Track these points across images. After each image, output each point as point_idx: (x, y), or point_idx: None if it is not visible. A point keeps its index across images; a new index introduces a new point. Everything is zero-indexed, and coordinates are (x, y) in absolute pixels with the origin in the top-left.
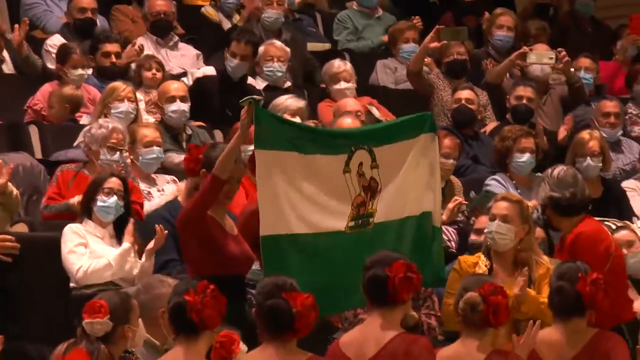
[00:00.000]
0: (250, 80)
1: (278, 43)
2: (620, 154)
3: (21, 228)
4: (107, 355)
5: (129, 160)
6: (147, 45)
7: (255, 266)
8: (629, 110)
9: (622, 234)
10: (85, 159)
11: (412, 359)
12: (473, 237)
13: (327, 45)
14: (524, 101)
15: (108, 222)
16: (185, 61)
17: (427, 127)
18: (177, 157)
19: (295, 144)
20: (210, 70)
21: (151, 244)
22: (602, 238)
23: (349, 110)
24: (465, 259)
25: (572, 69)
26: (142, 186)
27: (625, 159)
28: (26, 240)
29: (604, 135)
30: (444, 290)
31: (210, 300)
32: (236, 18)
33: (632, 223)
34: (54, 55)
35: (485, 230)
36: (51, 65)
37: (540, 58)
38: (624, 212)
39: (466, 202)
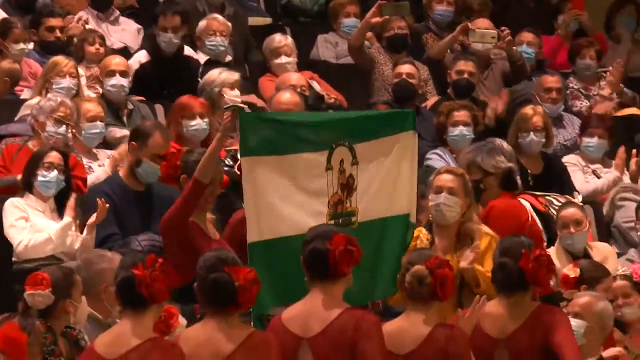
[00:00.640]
0: (189, 52)
1: (220, 17)
2: (561, 129)
3: None
4: (41, 331)
5: (70, 135)
6: (88, 19)
7: None
8: (571, 85)
9: (570, 212)
10: (28, 133)
11: (361, 334)
12: None
13: (267, 20)
14: (465, 75)
15: (49, 196)
16: (126, 36)
17: (408, 124)
18: (119, 132)
19: (276, 146)
20: (144, 56)
21: (92, 218)
22: (515, 213)
23: (293, 84)
24: None
25: (514, 47)
26: (84, 160)
27: (566, 134)
28: None
29: (546, 110)
30: None
31: (159, 274)
32: None
33: (573, 198)
34: None
35: (431, 203)
36: None
37: (483, 37)
38: (565, 187)
39: None
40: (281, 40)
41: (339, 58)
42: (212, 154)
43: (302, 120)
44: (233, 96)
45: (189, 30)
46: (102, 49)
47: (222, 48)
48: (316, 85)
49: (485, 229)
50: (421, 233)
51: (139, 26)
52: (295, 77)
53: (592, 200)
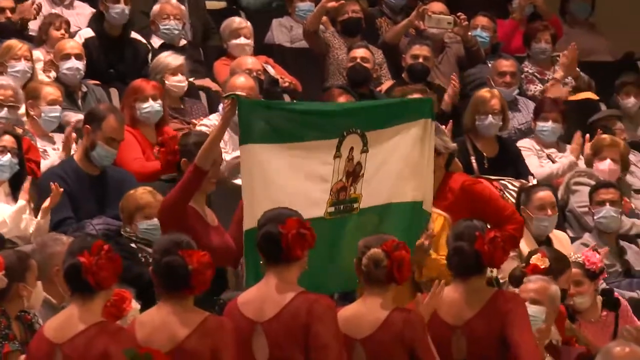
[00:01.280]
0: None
1: (174, 1)
2: (516, 113)
3: None
4: None
5: (25, 118)
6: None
7: None
8: (526, 69)
9: (547, 194)
10: None
11: (315, 318)
12: None
13: (222, 3)
14: (420, 60)
15: (3, 180)
16: (81, 20)
17: (426, 113)
18: (74, 116)
19: (281, 134)
20: (88, 33)
21: (47, 202)
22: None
23: (248, 68)
24: None
25: (470, 32)
26: (39, 144)
27: (521, 119)
28: None
29: None
30: None
31: (105, 262)
32: None
33: (528, 182)
34: None
35: None
36: None
37: (439, 22)
38: (520, 171)
39: None
40: (241, 22)
41: (294, 42)
42: (213, 142)
43: (313, 109)
44: (175, 82)
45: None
46: (67, 35)
47: (176, 32)
48: (271, 70)
49: (437, 210)
50: None
51: (94, 10)
52: (251, 61)
53: (547, 185)
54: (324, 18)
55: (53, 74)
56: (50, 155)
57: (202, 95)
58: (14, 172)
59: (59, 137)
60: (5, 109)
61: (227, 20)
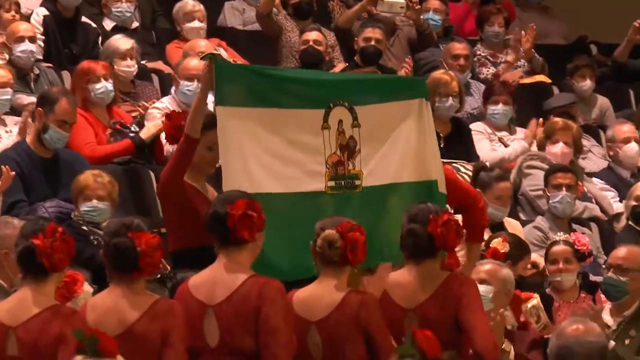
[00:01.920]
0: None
1: None
2: (469, 97)
3: None
4: None
5: None
6: None
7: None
8: (478, 52)
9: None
10: None
11: (265, 301)
12: None
13: None
14: (372, 43)
15: None
16: (33, 2)
17: (420, 92)
18: (27, 99)
19: (264, 98)
20: (43, 11)
21: None
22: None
23: (202, 51)
24: None
25: (422, 16)
26: None
27: (474, 102)
28: None
29: None
30: None
31: (59, 244)
32: None
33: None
34: None
35: None
36: None
37: (392, 7)
38: (470, 152)
39: None
40: (195, 5)
41: (246, 25)
42: (198, 107)
43: (295, 76)
44: (124, 66)
45: None
46: (17, 16)
47: (128, 14)
48: (223, 52)
49: None
50: None
51: None
52: (203, 44)
53: (500, 168)
54: (277, 1)
55: (6, 56)
56: (2, 137)
57: (154, 78)
58: None
59: (10, 120)
60: None
61: (180, 2)
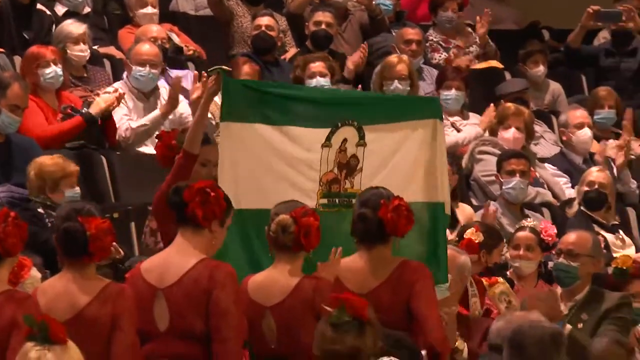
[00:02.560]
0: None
1: None
2: (421, 82)
3: None
4: None
5: None
6: None
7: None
8: (430, 38)
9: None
10: None
11: (216, 284)
12: None
13: None
14: (323, 27)
15: None
16: None
17: (433, 112)
18: None
19: (267, 115)
20: None
21: None
22: None
23: (154, 36)
24: None
25: (373, 1)
26: None
27: (426, 88)
28: None
29: None
30: None
31: (12, 228)
32: None
33: None
34: None
35: None
36: None
37: None
38: None
39: None
40: None
41: (198, 10)
42: (198, 123)
43: (304, 96)
44: (76, 51)
45: None
46: None
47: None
48: (175, 38)
49: None
50: None
51: None
52: (155, 30)
53: (452, 153)
54: None
55: None
56: None
57: (106, 63)
58: None
59: None
60: None
61: None
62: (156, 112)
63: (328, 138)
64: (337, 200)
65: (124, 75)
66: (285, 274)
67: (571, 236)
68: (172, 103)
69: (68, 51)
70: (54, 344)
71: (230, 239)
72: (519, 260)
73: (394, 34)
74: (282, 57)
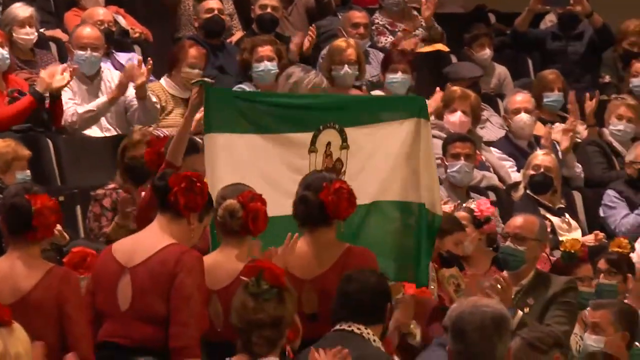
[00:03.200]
0: None
1: None
2: (368, 65)
3: None
4: None
5: None
6: None
7: None
8: (376, 21)
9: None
10: None
11: (183, 268)
12: None
13: None
14: (269, 10)
15: None
16: None
17: (417, 112)
18: None
19: (252, 124)
20: None
21: None
22: None
23: (100, 19)
24: None
25: None
26: None
27: (372, 71)
28: None
29: None
30: None
31: None
32: None
33: None
34: None
35: None
36: None
37: None
38: None
39: None
40: None
41: None
42: (182, 135)
43: (286, 102)
44: (23, 34)
45: None
46: None
47: None
48: (122, 20)
49: None
50: None
51: None
52: (102, 12)
53: None
54: None
55: None
56: None
57: (53, 46)
58: None
59: None
60: None
61: None
62: (103, 98)
63: (312, 142)
64: None
65: (69, 59)
66: (232, 259)
67: (518, 220)
68: (121, 89)
69: (14, 34)
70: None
71: None
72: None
73: (340, 17)
74: (228, 40)
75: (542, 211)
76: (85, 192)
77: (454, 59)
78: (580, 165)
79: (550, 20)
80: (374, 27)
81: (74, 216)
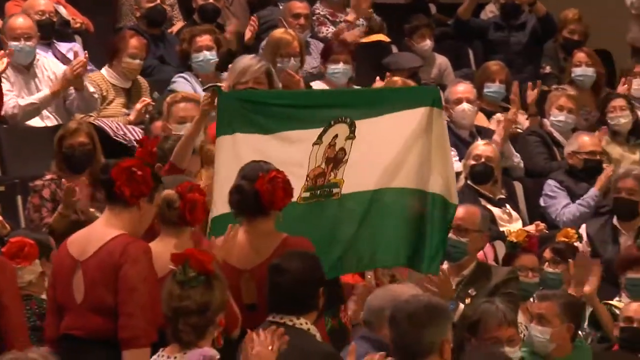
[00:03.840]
0: None
1: None
2: (308, 56)
3: None
4: None
5: None
6: None
7: None
8: (317, 11)
9: None
10: None
11: (127, 259)
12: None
13: None
14: (210, 0)
15: None
16: None
17: (430, 101)
18: None
19: (261, 126)
20: None
21: None
22: None
23: (41, 9)
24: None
25: None
26: None
27: (313, 62)
28: None
29: None
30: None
31: None
32: None
33: None
34: None
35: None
36: None
37: None
38: None
39: (153, 103)
40: None
41: None
42: (190, 138)
43: (298, 102)
44: None
45: None
46: None
47: None
48: (62, 10)
49: None
50: None
51: None
52: (43, 2)
53: None
54: None
55: None
56: None
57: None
58: None
59: None
60: None
61: None
62: (46, 92)
63: (320, 136)
64: (318, 192)
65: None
66: (170, 248)
67: (459, 211)
68: (64, 84)
69: None
70: None
71: None
72: None
73: (280, 7)
74: (169, 30)
75: (483, 201)
76: (26, 182)
77: (395, 49)
78: (518, 155)
79: (490, 10)
80: (314, 18)
81: (15, 206)
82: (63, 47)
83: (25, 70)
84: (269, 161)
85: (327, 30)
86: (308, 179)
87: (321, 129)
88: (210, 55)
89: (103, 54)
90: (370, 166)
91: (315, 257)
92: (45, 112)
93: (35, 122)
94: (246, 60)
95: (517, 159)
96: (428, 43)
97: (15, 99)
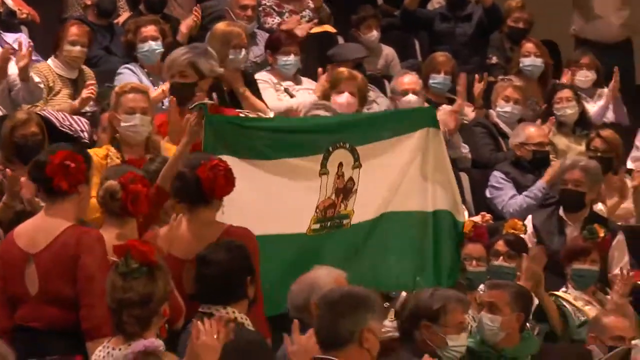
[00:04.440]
0: None
1: None
2: (254, 46)
3: None
4: None
5: None
6: None
7: None
8: (263, 2)
9: None
10: None
11: (83, 249)
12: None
13: None
14: None
15: None
16: None
17: (427, 122)
18: None
19: (258, 150)
20: None
21: None
22: None
23: None
24: (96, 152)
25: None
26: None
27: (258, 52)
28: None
29: None
30: None
31: None
32: None
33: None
34: None
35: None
36: None
37: None
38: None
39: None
40: None
41: None
42: (177, 160)
43: (290, 126)
44: None
45: None
46: None
47: None
48: (9, 1)
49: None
50: (109, 151)
51: None
52: None
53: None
54: None
55: None
56: None
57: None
58: None
59: None
60: None
61: None
62: None
63: (323, 165)
64: (328, 223)
65: None
66: (113, 239)
67: None
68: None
69: None
70: None
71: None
72: None
73: None
74: (115, 21)
75: None
76: None
77: (341, 40)
78: (467, 146)
79: (437, 1)
80: (260, 8)
81: None
82: (9, 37)
83: None
84: (276, 185)
85: (272, 21)
86: (317, 210)
87: (320, 156)
88: (156, 46)
89: (49, 45)
90: (376, 193)
91: (242, 246)
92: None
93: None
94: (173, 53)
95: (465, 149)
96: (374, 34)
97: None
